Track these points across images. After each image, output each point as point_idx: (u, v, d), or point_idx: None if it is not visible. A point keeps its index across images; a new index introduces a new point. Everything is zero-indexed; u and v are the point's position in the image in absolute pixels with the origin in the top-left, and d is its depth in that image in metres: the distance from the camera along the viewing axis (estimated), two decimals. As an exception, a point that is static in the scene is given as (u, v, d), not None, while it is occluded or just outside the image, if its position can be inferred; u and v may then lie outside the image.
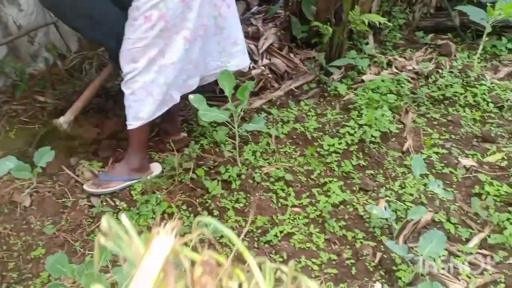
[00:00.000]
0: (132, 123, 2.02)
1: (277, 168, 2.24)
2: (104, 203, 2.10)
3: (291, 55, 3.27)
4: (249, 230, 1.96)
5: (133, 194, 2.15)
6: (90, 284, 1.27)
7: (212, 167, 2.32)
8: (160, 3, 1.80)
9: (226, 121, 2.14)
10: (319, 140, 2.47)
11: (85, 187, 2.13)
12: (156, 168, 2.27)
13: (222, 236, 1.90)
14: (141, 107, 1.98)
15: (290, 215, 2.03)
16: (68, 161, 2.35)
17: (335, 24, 2.84)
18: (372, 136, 2.39)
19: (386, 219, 1.88)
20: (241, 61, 2.29)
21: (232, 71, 2.14)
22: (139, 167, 2.18)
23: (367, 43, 3.35)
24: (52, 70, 3.00)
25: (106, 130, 2.56)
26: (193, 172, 2.26)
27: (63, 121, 2.20)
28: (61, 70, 3.01)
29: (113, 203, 2.10)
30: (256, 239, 1.91)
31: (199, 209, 2.07)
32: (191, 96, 2.03)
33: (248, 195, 2.12)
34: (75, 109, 2.29)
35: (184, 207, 2.09)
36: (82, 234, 1.95)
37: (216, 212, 2.04)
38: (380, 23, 3.13)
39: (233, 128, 2.30)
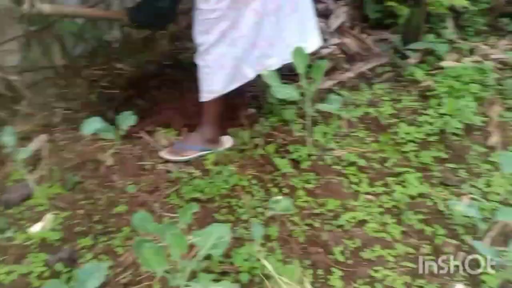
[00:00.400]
0: (205, 96, 2.07)
1: (350, 153, 2.22)
2: (180, 169, 2.18)
3: (363, 35, 3.17)
4: (320, 212, 1.97)
5: (205, 164, 2.22)
6: (174, 242, 1.34)
7: (281, 145, 2.34)
8: None
9: (296, 100, 2.14)
10: (394, 127, 2.41)
11: (161, 154, 2.23)
12: (227, 141, 2.32)
13: (292, 214, 1.93)
14: (214, 80, 2.01)
15: (363, 202, 2.01)
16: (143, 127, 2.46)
17: (414, 4, 2.71)
18: (454, 127, 2.28)
19: (471, 218, 1.81)
20: (317, 40, 2.23)
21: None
22: (212, 139, 2.24)
23: (445, 27, 3.17)
24: (127, 39, 3.10)
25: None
26: (262, 149, 2.29)
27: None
28: (135, 39, 3.10)
29: (187, 170, 2.18)
30: (327, 222, 1.92)
31: (269, 185, 2.10)
32: (264, 72, 2.03)
33: (319, 176, 2.12)
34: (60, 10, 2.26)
35: (254, 181, 2.13)
36: (160, 196, 2.05)
37: (286, 190, 2.07)
38: (463, 7, 2.94)
39: (302, 107, 2.30)
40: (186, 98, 2.65)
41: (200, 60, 2.02)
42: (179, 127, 2.43)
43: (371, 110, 2.52)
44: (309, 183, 2.10)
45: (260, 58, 2.09)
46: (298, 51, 1.98)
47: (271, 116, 2.54)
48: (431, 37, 2.93)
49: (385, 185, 2.11)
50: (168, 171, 2.17)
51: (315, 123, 2.46)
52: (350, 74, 2.88)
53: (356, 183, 2.12)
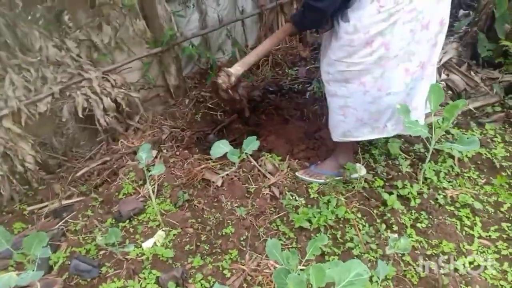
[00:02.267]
0: (339, 138, 2.13)
1: (463, 194, 2.12)
2: (285, 195, 2.20)
3: (471, 73, 3.06)
4: (433, 253, 1.89)
5: (310, 192, 2.22)
6: (315, 275, 1.29)
7: (385, 179, 2.29)
8: (386, 29, 1.69)
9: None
10: (508, 171, 2.28)
11: (298, 174, 2.31)
12: (361, 169, 2.30)
13: (404, 254, 1.86)
14: (349, 127, 2.04)
15: (478, 246, 1.91)
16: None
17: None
18: None
19: None
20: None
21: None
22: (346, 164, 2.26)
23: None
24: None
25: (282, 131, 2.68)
26: (367, 182, 2.26)
27: (233, 71, 2.07)
28: (241, 63, 3.23)
29: (292, 197, 2.19)
30: (442, 264, 1.83)
31: (377, 220, 2.05)
32: (398, 105, 2.01)
33: (430, 216, 2.05)
34: (246, 63, 2.13)
35: (359, 214, 2.10)
36: (265, 221, 2.07)
37: (395, 227, 2.01)
38: None
39: (408, 142, 2.22)
40: (289, 124, 2.70)
41: (333, 103, 2.03)
42: (283, 154, 2.47)
43: (483, 150, 2.40)
44: (421, 222, 2.02)
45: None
46: (435, 87, 1.93)
47: (373, 148, 2.51)
48: (547, 79, 2.77)
49: (500, 230, 1.99)
50: (273, 196, 2.20)
51: (422, 160, 2.39)
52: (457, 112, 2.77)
53: (469, 226, 2.02)
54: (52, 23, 2.29)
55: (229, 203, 2.16)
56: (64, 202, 2.31)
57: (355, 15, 1.72)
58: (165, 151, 2.61)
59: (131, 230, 2.08)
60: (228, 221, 2.07)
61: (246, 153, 2.01)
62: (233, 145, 2.10)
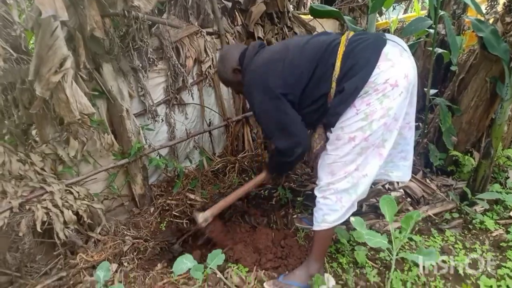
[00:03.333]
0: (320, 225, 2.14)
1: (432, 305, 2.10)
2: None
3: (427, 180, 3.24)
4: None
5: (282, 307, 2.13)
6: None
7: (354, 290, 2.25)
8: (365, 126, 1.93)
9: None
10: (472, 278, 2.30)
11: (266, 286, 2.23)
12: (330, 281, 2.25)
13: None
14: (330, 211, 2.09)
15: None
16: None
17: (483, 157, 2.81)
18: (539, 284, 2.16)
19: None
20: (404, 175, 2.33)
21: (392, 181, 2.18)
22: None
23: (507, 177, 3.21)
24: (202, 171, 3.30)
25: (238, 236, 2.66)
26: (335, 293, 2.20)
27: (201, 216, 2.41)
28: (207, 171, 3.30)
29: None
30: None
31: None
32: (352, 219, 2.08)
33: (402, 331, 1.98)
34: (216, 208, 2.46)
35: (330, 331, 2.01)
36: None
37: None
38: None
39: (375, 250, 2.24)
40: (256, 233, 2.68)
41: (319, 193, 2.14)
42: (250, 264, 2.41)
43: (446, 258, 2.44)
44: None
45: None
46: (386, 200, 2.03)
47: (340, 256, 2.50)
48: (497, 186, 2.96)
49: None
50: (242, 313, 2.10)
51: (387, 268, 2.39)
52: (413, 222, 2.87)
53: None
54: (19, 138, 2.31)
55: (191, 321, 2.03)
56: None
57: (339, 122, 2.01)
58: (125, 264, 2.49)
59: None
60: None
61: (211, 267, 1.95)
62: (197, 259, 2.06)
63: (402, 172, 2.31)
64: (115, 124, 2.63)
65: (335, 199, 2.08)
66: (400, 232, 2.05)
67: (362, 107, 1.92)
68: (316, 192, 2.16)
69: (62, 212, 2.37)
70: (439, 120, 3.11)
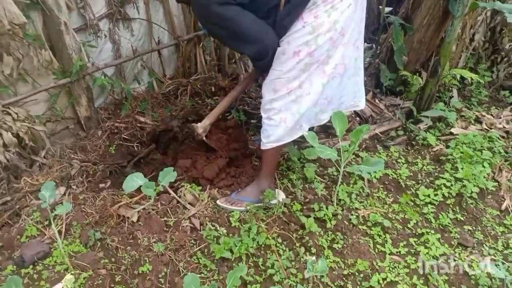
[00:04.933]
0: (265, 144, 2.15)
1: (374, 213, 2.25)
2: (204, 226, 2.15)
3: (376, 100, 3.32)
4: (349, 273, 1.95)
5: (231, 221, 2.20)
6: None
7: (303, 203, 2.36)
8: (311, 40, 1.88)
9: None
10: (412, 189, 2.47)
11: (219, 202, 2.29)
12: (280, 195, 2.32)
13: (322, 276, 1.90)
14: (273, 131, 2.09)
15: (390, 263, 2.02)
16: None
17: (430, 75, 2.89)
18: (470, 191, 2.36)
19: (496, 279, 1.83)
20: (364, 100, 2.33)
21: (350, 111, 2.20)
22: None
23: (451, 97, 3.36)
24: (152, 93, 3.17)
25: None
26: (284, 206, 2.30)
27: (200, 126, 2.34)
28: (158, 93, 3.18)
29: (213, 227, 2.15)
30: (358, 283, 1.90)
31: (296, 244, 2.09)
32: (305, 133, 2.10)
33: (345, 236, 2.13)
34: (212, 116, 2.41)
35: (279, 239, 2.12)
36: (185, 254, 2.00)
37: (313, 250, 2.05)
38: (471, 79, 3.14)
39: (322, 166, 2.34)
40: (207, 154, 2.68)
41: (264, 112, 2.11)
42: (203, 183, 2.43)
43: (389, 171, 2.58)
44: (337, 243, 2.09)
45: (317, 114, 2.16)
46: (337, 115, 2.06)
47: (291, 173, 2.58)
48: (441, 105, 3.09)
49: (408, 245, 2.14)
50: (194, 228, 2.14)
51: (335, 182, 2.51)
52: (364, 136, 2.97)
53: (381, 244, 2.13)
54: None
55: (145, 239, 2.05)
56: (-46, 250, 2.03)
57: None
58: (74, 187, 2.43)
59: (35, 276, 1.88)
60: (145, 258, 1.96)
61: (163, 185, 1.94)
62: (150, 178, 2.04)
63: (363, 98, 2.30)
64: (53, 40, 2.41)
65: (278, 120, 2.07)
66: (349, 146, 2.11)
67: (309, 19, 1.87)
68: (261, 112, 2.15)
69: (0, 134, 2.22)
70: (392, 39, 3.12)
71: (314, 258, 1.93)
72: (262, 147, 2.20)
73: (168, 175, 1.93)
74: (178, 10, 3.20)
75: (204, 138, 2.45)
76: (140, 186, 1.87)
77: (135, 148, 2.79)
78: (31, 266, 1.92)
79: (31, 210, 2.23)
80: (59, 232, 2.07)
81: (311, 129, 2.31)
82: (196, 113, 3.07)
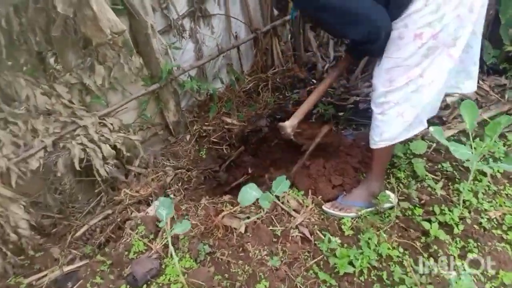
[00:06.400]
0: (377, 143, 1.94)
1: (509, 214, 1.97)
2: (316, 235, 1.99)
3: (479, 81, 2.97)
4: (494, 286, 1.71)
5: (343, 229, 2.03)
6: None
7: (418, 205, 2.13)
8: (435, 21, 1.62)
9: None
10: (544, 184, 2.16)
11: (326, 208, 2.12)
12: (391, 195, 2.12)
13: (461, 290, 1.68)
14: (388, 127, 1.87)
15: (536, 273, 1.76)
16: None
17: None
18: None
19: None
20: (474, 84, 2.03)
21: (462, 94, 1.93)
22: (378, 192, 2.08)
23: None
24: (233, 90, 3.04)
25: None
26: (400, 210, 2.08)
27: (288, 125, 2.13)
28: (240, 91, 3.05)
29: (323, 236, 1.99)
30: (507, 300, 1.67)
31: (423, 254, 1.87)
32: (431, 129, 1.86)
33: (479, 243, 1.88)
34: (300, 113, 2.19)
35: (400, 249, 1.92)
36: (301, 268, 1.86)
37: (444, 260, 1.83)
38: None
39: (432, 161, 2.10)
40: (302, 154, 2.51)
41: (376, 107, 1.88)
42: (304, 188, 2.27)
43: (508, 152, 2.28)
44: (470, 252, 1.85)
45: (436, 102, 1.90)
46: (467, 105, 1.80)
47: (397, 170, 2.35)
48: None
49: (555, 251, 1.85)
50: (304, 238, 1.99)
51: (450, 179, 2.25)
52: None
53: (521, 250, 1.87)
54: (37, 68, 2.04)
55: (257, 251, 1.93)
56: (66, 268, 2.03)
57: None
58: (172, 195, 2.37)
59: (152, 297, 1.83)
60: (260, 274, 1.84)
61: (276, 195, 1.80)
62: (244, 182, 1.91)
63: (472, 80, 2.02)
64: (141, 44, 2.32)
65: (395, 114, 1.83)
66: (481, 140, 1.84)
67: None
68: (373, 107, 1.91)
69: (99, 147, 2.18)
70: (497, 9, 2.74)
71: (454, 273, 1.71)
72: (374, 146, 1.98)
73: (281, 184, 1.78)
74: (254, 1, 3.03)
75: (293, 137, 2.24)
76: (257, 199, 1.72)
77: (225, 151, 2.69)
78: (144, 286, 1.86)
79: (135, 223, 2.18)
80: (166, 246, 2.00)
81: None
82: (281, 110, 2.91)
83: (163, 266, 1.94)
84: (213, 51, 2.81)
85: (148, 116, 2.53)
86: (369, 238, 1.90)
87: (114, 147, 2.27)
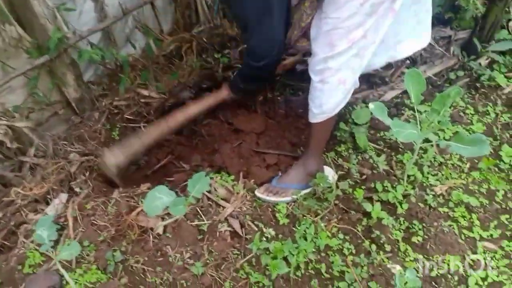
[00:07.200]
0: (317, 116, 1.70)
1: (452, 188, 1.81)
2: (248, 228, 1.73)
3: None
4: (439, 275, 1.56)
5: (278, 217, 1.78)
6: None
7: (358, 181, 1.92)
8: None
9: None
10: (491, 149, 2.00)
11: (258, 193, 1.85)
12: (330, 173, 1.89)
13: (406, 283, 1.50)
14: (328, 98, 1.62)
15: (484, 253, 1.62)
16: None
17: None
18: None
19: None
20: (428, 35, 1.76)
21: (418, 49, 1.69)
22: (316, 172, 1.83)
23: (510, 19, 2.76)
24: (150, 56, 2.59)
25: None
26: (339, 188, 1.86)
27: (110, 158, 1.89)
28: (158, 56, 2.61)
29: (256, 228, 1.73)
30: (453, 287, 1.51)
31: (365, 241, 1.67)
32: (371, 105, 1.61)
33: (424, 224, 1.71)
34: (130, 151, 1.94)
35: (340, 235, 1.71)
36: (230, 270, 1.60)
37: (387, 248, 1.65)
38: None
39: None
40: (234, 132, 2.20)
41: (316, 75, 1.62)
42: (235, 172, 1.97)
43: (457, 127, 2.10)
44: (416, 235, 1.68)
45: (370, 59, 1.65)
46: (412, 74, 1.54)
47: (338, 144, 2.11)
48: (504, 33, 2.52)
49: (500, 225, 1.73)
50: (234, 233, 1.72)
51: (394, 149, 2.05)
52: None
53: (467, 228, 1.72)
54: None
55: (178, 255, 1.64)
56: None
57: None
58: (77, 189, 1.98)
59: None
60: (182, 282, 1.56)
61: (193, 196, 1.48)
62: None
63: (428, 31, 1.74)
64: (18, 8, 1.82)
65: (336, 82, 1.59)
66: (428, 115, 1.60)
67: None
68: (311, 74, 1.64)
69: (-29, 142, 1.73)
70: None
71: (398, 266, 1.53)
72: (313, 120, 1.73)
73: (200, 183, 1.46)
74: None
75: (115, 177, 1.97)
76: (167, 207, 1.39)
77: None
78: (42, 306, 1.53)
79: (30, 228, 1.80)
80: (69, 255, 1.65)
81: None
82: (209, 77, 2.53)
83: (65, 283, 1.61)
84: (120, 10, 2.32)
85: (41, 94, 2.07)
86: (305, 231, 1.66)
87: (-5, 139, 1.83)
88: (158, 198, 1.34)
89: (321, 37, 1.54)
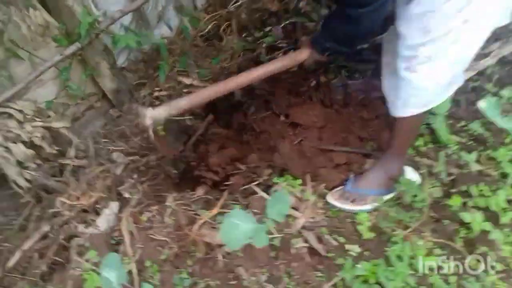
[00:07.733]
0: (401, 110, 1.45)
1: None
2: (325, 244, 1.51)
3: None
4: None
5: (360, 230, 1.55)
6: None
7: (448, 183, 1.68)
8: None
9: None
10: None
11: (331, 200, 1.63)
12: (412, 175, 1.66)
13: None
14: (415, 90, 1.37)
15: None
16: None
17: None
18: None
19: None
20: None
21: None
22: (398, 175, 1.61)
23: None
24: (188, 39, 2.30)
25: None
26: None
27: (149, 114, 1.50)
28: (196, 37, 2.31)
29: (336, 242, 1.52)
30: None
31: (467, 258, 1.45)
32: (482, 103, 1.34)
33: (534, 236, 1.48)
34: (176, 106, 1.57)
35: (438, 251, 1.49)
36: (314, 296, 1.40)
37: (497, 267, 1.43)
38: None
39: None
40: (291, 126, 1.94)
41: (403, 62, 1.35)
42: (299, 174, 1.73)
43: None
44: (527, 249, 1.45)
45: None
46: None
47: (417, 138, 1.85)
48: None
49: None
50: (311, 249, 1.51)
51: (482, 142, 1.80)
52: (488, 61, 2.15)
53: None
54: None
55: (253, 278, 1.43)
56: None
57: None
58: (127, 195, 1.76)
59: None
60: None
61: (273, 219, 1.24)
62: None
63: None
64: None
65: (426, 71, 1.32)
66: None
67: None
68: (397, 59, 1.37)
69: (8, 149, 1.49)
70: None
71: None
72: (396, 113, 1.48)
73: (279, 204, 1.21)
74: None
75: (151, 132, 1.59)
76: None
77: (188, 123, 2.05)
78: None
79: (82, 244, 1.59)
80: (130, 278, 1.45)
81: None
82: (254, 60, 2.24)
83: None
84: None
85: (75, 87, 1.81)
86: (400, 251, 1.43)
87: (31, 144, 1.59)
88: (236, 226, 1.11)
89: (414, 19, 1.26)
